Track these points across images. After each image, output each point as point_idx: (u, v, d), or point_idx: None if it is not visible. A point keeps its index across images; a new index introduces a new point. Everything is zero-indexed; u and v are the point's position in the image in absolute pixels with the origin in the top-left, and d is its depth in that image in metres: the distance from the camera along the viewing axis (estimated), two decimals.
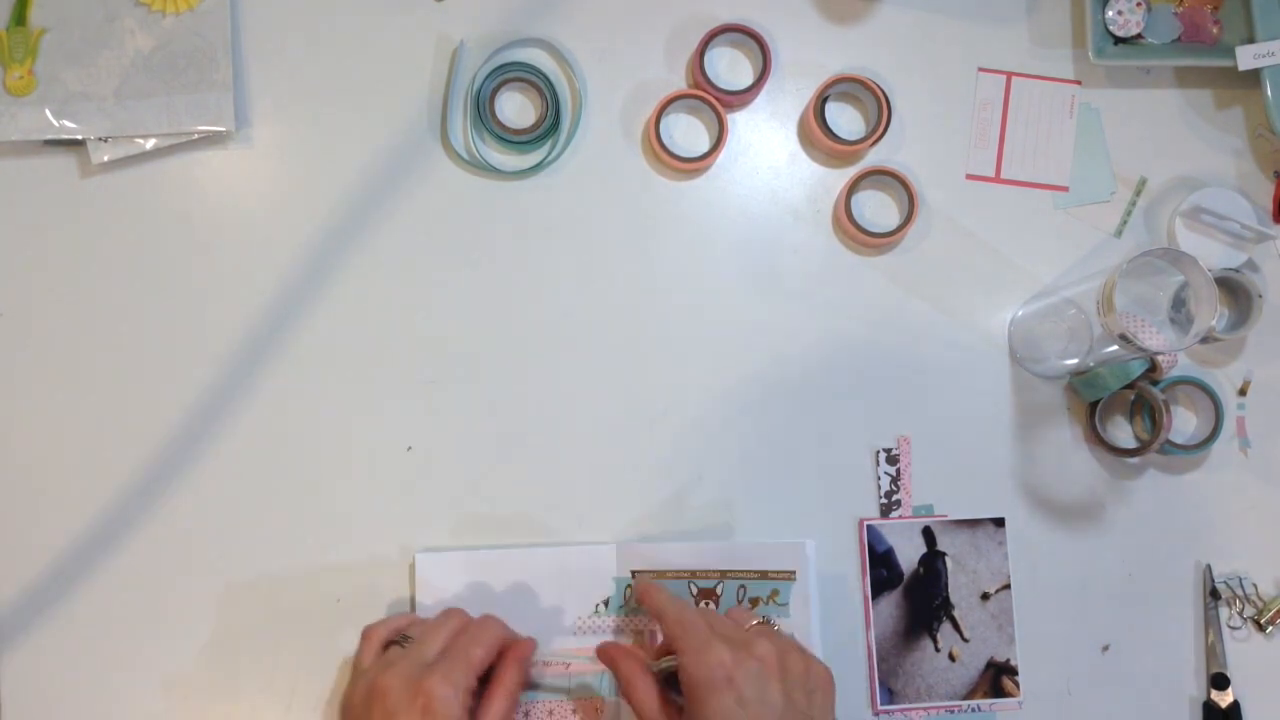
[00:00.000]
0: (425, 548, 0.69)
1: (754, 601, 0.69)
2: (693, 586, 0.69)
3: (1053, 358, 0.73)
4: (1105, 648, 0.73)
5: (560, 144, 0.73)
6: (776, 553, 0.70)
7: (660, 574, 0.69)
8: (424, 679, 0.58)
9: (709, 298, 0.73)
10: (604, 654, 0.63)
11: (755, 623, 0.62)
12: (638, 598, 0.67)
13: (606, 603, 0.69)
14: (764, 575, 0.69)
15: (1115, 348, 0.67)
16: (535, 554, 0.69)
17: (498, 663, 0.63)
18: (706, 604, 0.69)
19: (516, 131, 0.73)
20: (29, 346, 0.70)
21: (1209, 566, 0.74)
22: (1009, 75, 0.76)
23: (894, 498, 0.72)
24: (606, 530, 0.71)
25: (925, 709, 0.70)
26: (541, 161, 0.73)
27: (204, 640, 0.69)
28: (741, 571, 0.69)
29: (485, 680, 0.62)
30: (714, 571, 0.69)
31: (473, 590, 0.68)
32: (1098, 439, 0.73)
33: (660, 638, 0.65)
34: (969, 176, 0.75)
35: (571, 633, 0.69)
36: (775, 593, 0.69)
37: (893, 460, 0.73)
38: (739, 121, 0.75)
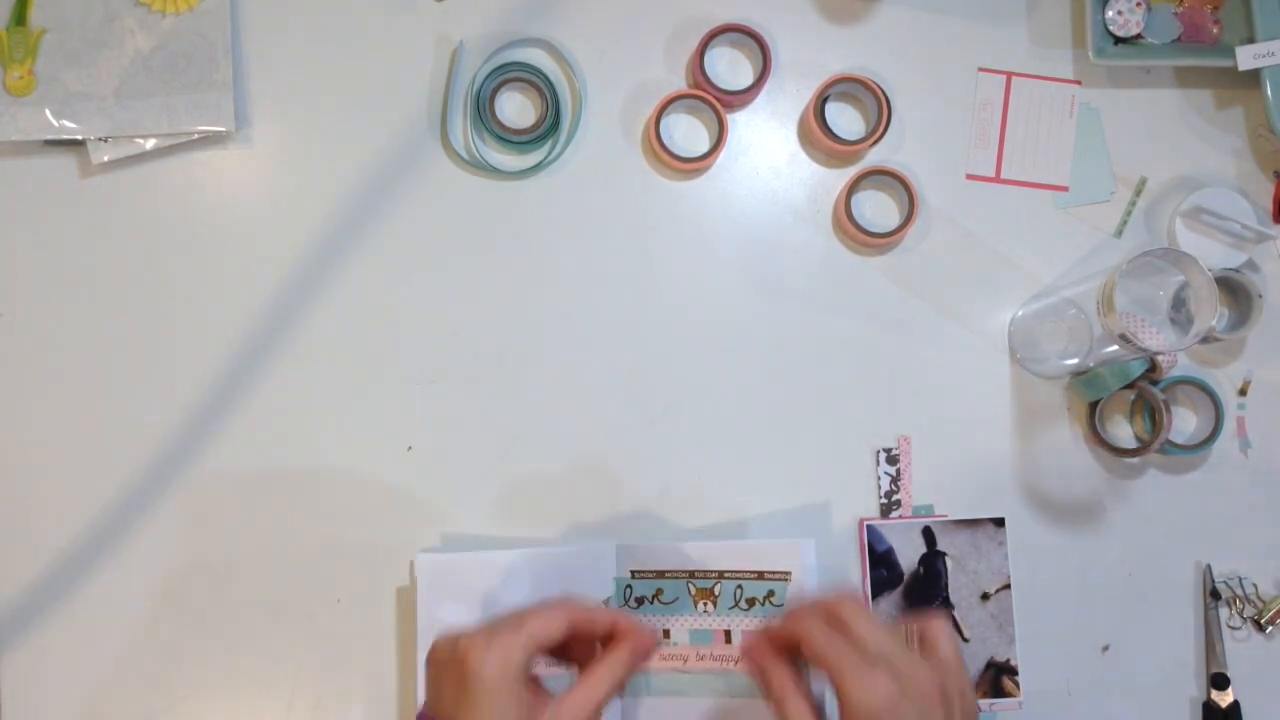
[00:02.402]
0: (425, 548, 0.69)
1: (750, 602, 0.69)
2: (691, 586, 0.69)
3: (1053, 358, 0.73)
4: (1105, 648, 0.73)
5: (560, 144, 0.73)
6: (775, 552, 0.70)
7: (660, 574, 0.69)
8: (459, 639, 0.54)
9: (709, 298, 0.73)
10: (752, 658, 0.58)
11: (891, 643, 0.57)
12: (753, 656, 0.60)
13: (607, 602, 0.69)
14: (760, 576, 0.69)
15: (1115, 348, 0.67)
16: (535, 554, 0.69)
17: (608, 645, 0.58)
18: (705, 605, 0.69)
19: (516, 131, 0.73)
20: (29, 346, 0.70)
21: (1209, 566, 0.74)
22: (1009, 75, 0.76)
23: (894, 498, 0.72)
24: (606, 529, 0.71)
25: None
26: (541, 161, 0.73)
27: (204, 640, 0.69)
28: (739, 572, 0.69)
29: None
30: (712, 572, 0.69)
31: (473, 590, 0.68)
32: (1098, 439, 0.73)
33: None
34: (969, 176, 0.75)
35: None
36: (771, 594, 0.69)
37: (893, 460, 0.73)
38: (739, 121, 0.75)
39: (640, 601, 0.69)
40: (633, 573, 0.69)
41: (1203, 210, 0.74)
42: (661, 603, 0.69)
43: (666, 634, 0.69)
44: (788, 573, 0.69)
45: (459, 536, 0.70)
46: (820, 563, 0.71)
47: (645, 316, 0.73)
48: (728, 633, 0.69)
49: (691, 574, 0.69)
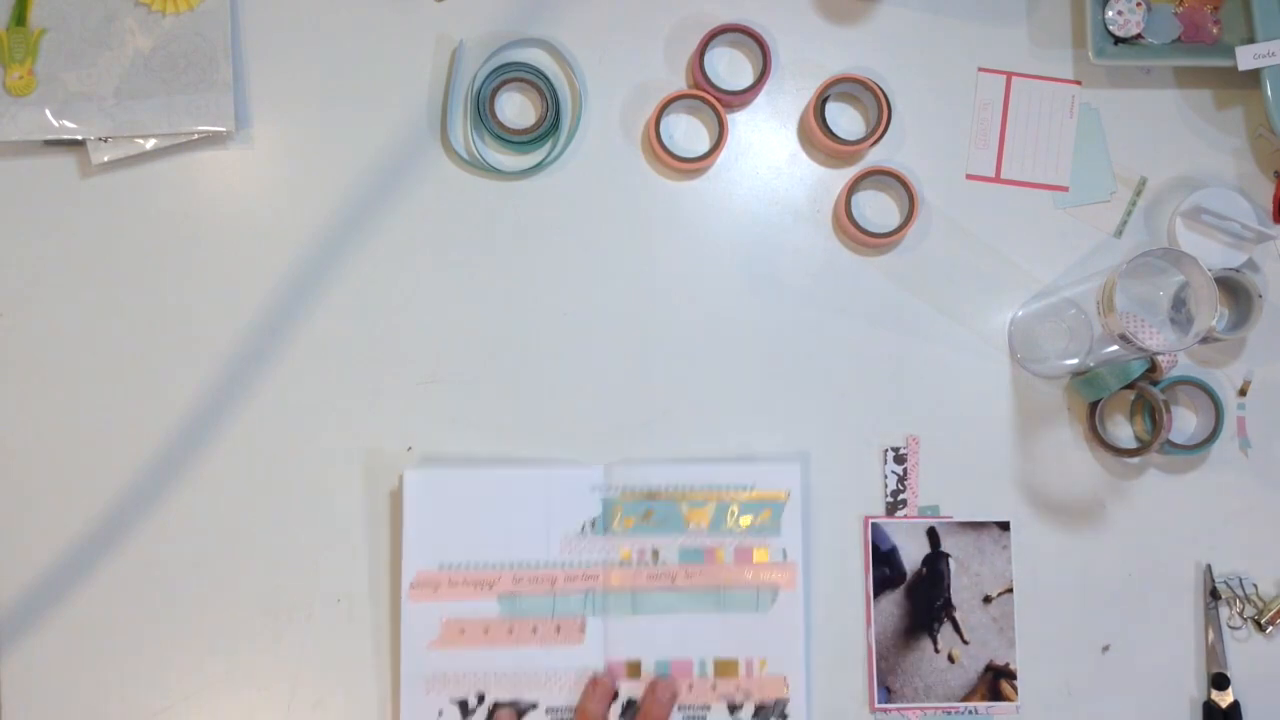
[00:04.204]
0: (414, 464, 0.70)
1: (745, 522, 0.69)
2: (684, 507, 0.69)
3: (1053, 358, 0.73)
4: (1105, 648, 0.73)
5: (560, 144, 0.73)
6: (767, 472, 0.70)
7: (652, 494, 0.69)
8: None
9: (709, 298, 0.73)
10: None
11: None
12: None
13: (594, 523, 0.69)
14: (758, 497, 0.69)
15: (1115, 348, 0.67)
16: (523, 474, 0.70)
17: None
18: (697, 524, 0.69)
19: (516, 131, 0.73)
20: (29, 346, 0.70)
21: (1209, 566, 0.74)
22: (1009, 75, 0.76)
23: (900, 497, 0.72)
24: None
25: (922, 709, 0.70)
26: (541, 161, 0.73)
27: (203, 640, 0.69)
28: (734, 493, 0.70)
29: None
30: (707, 492, 0.70)
31: (460, 509, 0.69)
32: (1098, 439, 0.73)
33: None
34: (969, 176, 0.75)
35: (558, 552, 0.69)
36: (768, 513, 0.69)
37: (900, 459, 0.72)
38: (739, 121, 0.75)
39: (629, 522, 0.69)
40: (622, 493, 0.69)
41: (1203, 210, 0.74)
42: (652, 523, 0.69)
43: (655, 554, 0.69)
44: (786, 491, 0.70)
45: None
46: (822, 559, 0.71)
47: (645, 317, 0.73)
48: (719, 551, 0.69)
49: (685, 494, 0.69)
